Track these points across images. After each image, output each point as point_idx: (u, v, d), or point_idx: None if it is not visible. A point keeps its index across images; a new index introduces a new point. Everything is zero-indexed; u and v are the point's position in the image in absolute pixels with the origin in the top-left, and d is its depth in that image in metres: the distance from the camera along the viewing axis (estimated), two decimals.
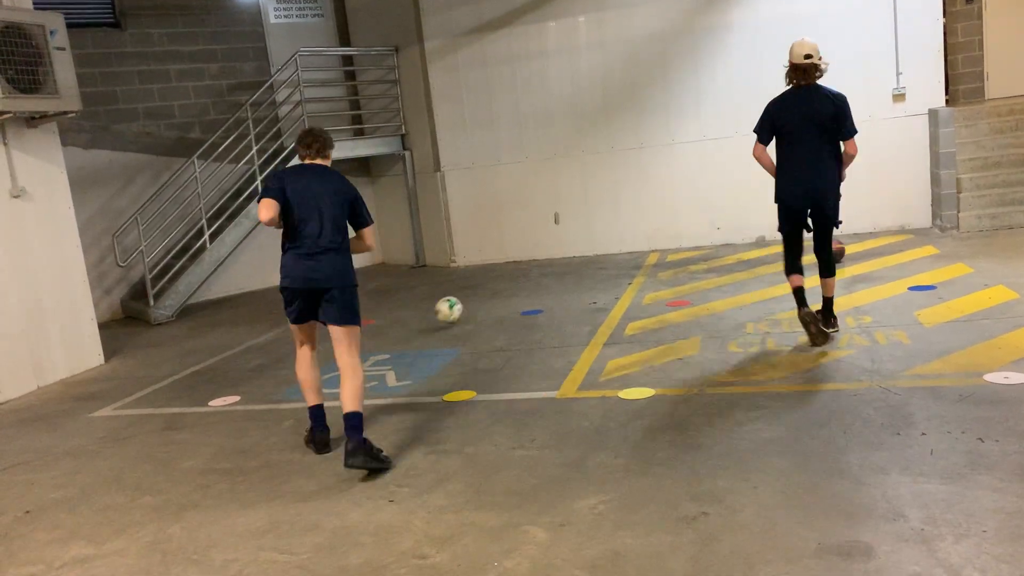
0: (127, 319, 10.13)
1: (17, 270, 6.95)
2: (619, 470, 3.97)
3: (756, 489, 3.58)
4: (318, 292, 4.51)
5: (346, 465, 4.20)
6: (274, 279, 11.17)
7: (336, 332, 4.50)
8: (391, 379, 6.05)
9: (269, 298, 10.59)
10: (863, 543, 3.04)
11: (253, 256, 11.23)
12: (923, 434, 3.94)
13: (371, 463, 4.22)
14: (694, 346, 5.94)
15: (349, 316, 4.51)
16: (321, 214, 4.51)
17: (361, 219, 4.67)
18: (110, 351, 7.98)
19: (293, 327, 4.74)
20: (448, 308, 7.44)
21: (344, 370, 4.52)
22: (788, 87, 5.53)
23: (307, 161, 4.72)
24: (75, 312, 7.48)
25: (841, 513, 3.28)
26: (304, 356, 4.84)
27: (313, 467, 4.49)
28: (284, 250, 4.62)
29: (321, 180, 4.60)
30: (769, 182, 5.51)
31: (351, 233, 4.67)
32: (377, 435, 4.86)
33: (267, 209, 4.37)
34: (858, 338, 5.63)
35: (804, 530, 3.19)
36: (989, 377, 4.59)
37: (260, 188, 5.10)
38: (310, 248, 4.50)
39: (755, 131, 5.58)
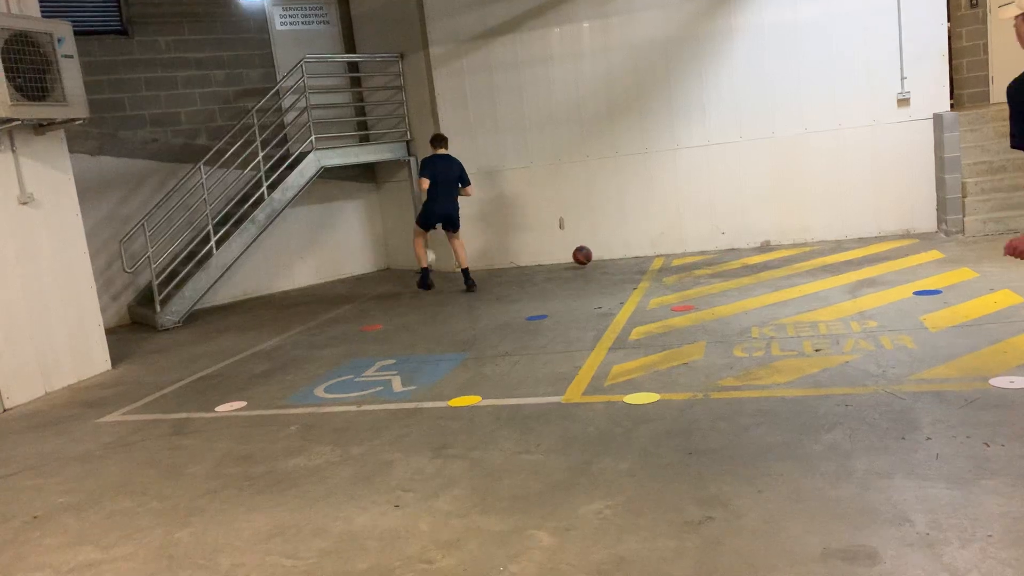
0: (134, 325, 10.17)
1: (25, 276, 6.99)
2: (624, 475, 3.98)
3: (761, 494, 3.59)
4: (444, 218, 9.47)
5: (469, 290, 9.60)
6: (279, 285, 11.40)
7: (450, 235, 9.68)
8: (397, 384, 6.07)
9: (275, 303, 10.63)
10: (868, 548, 3.04)
11: (259, 262, 11.28)
12: (928, 438, 3.94)
13: (474, 288, 9.54)
14: (699, 351, 5.95)
15: (455, 228, 9.61)
16: (443, 182, 9.37)
17: (463, 182, 9.52)
18: (117, 356, 8.01)
19: (421, 228, 9.63)
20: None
21: (456, 249, 9.73)
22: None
23: (438, 151, 9.52)
24: (82, 318, 7.51)
25: (846, 518, 3.28)
26: (420, 243, 9.70)
27: (319, 472, 4.50)
28: (425, 200, 9.49)
29: (445, 163, 9.44)
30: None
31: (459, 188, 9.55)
32: (382, 439, 4.89)
33: (424, 183, 9.29)
34: (863, 343, 5.63)
35: (809, 535, 3.19)
36: (995, 381, 4.58)
37: (418, 167, 10.15)
38: (441, 200, 9.40)
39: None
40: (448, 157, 9.54)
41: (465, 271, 9.71)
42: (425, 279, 9.83)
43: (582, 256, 10.32)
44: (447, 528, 3.63)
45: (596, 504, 3.68)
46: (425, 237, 9.73)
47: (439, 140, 9.63)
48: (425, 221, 9.58)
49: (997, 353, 5.07)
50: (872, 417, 4.30)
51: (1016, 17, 3.41)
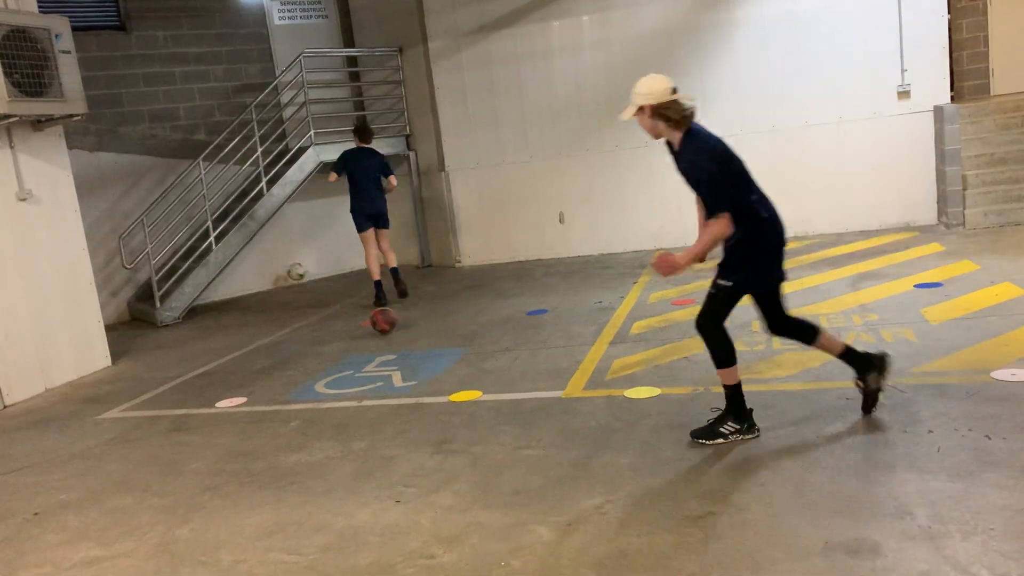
0: (134, 321, 10.16)
1: (24, 273, 6.98)
2: (625, 469, 3.97)
3: (762, 487, 3.58)
4: (373, 216, 8.93)
5: (401, 295, 9.14)
6: (280, 280, 11.19)
7: (380, 232, 9.06)
8: (397, 379, 6.06)
9: (275, 299, 10.62)
10: (870, 541, 3.04)
11: (259, 258, 11.26)
12: (930, 432, 3.94)
13: (406, 292, 9.13)
14: (700, 345, 5.89)
15: (384, 224, 9.06)
16: (366, 179, 8.86)
17: (386, 172, 8.99)
18: (117, 353, 8.00)
19: (363, 234, 8.98)
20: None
21: (385, 251, 9.14)
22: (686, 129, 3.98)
23: (361, 145, 9.02)
24: (82, 314, 7.51)
25: (848, 511, 3.28)
26: (371, 253, 9.06)
27: (320, 468, 4.50)
28: (351, 196, 8.94)
29: (366, 158, 8.95)
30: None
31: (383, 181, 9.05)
32: (383, 435, 4.88)
33: (332, 176, 8.96)
34: (864, 336, 5.62)
35: (811, 528, 3.19)
36: (996, 374, 4.58)
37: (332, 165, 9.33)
38: (366, 198, 8.88)
39: (737, 194, 3.91)
40: (371, 151, 8.98)
41: (394, 271, 9.07)
42: (379, 293, 8.96)
43: (381, 323, 7.63)
44: (448, 523, 3.63)
45: (597, 499, 3.68)
46: (373, 244, 9.02)
47: (361, 133, 9.01)
48: (359, 225, 8.95)
49: (998, 346, 5.06)
50: (873, 410, 4.29)
51: (636, 114, 3.90)
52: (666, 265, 3.98)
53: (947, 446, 3.76)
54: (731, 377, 4.15)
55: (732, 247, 4.05)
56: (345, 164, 8.91)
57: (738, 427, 4.13)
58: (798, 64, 9.73)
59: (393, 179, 9.06)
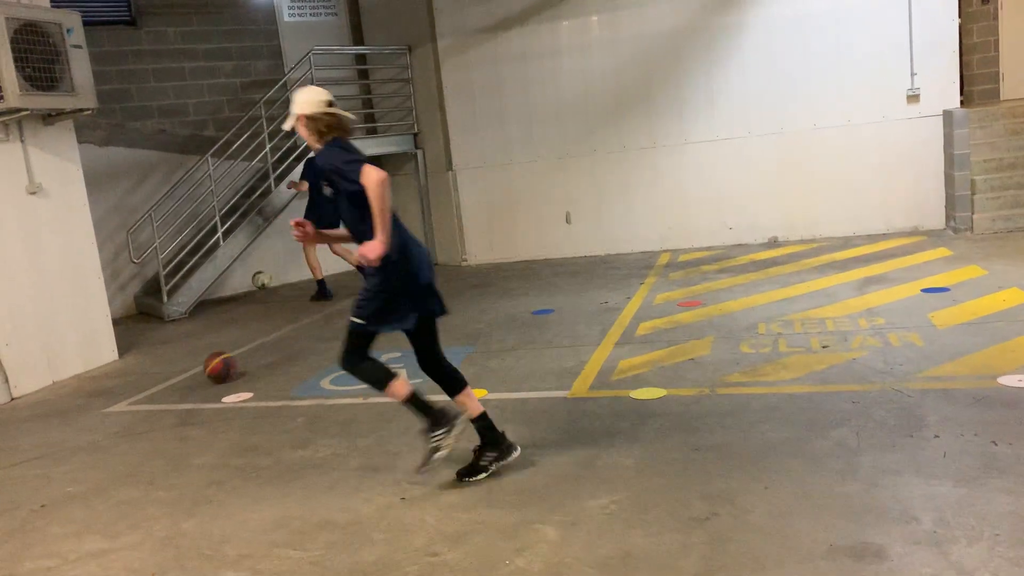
0: (141, 315, 10.19)
1: (33, 265, 7.01)
2: (630, 470, 3.97)
3: (767, 490, 3.58)
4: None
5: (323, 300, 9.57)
6: (286, 277, 11.40)
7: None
8: (403, 377, 6.05)
9: (281, 295, 10.64)
10: (875, 545, 3.04)
11: (266, 254, 11.27)
12: (936, 436, 3.93)
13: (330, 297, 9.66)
14: (706, 346, 5.93)
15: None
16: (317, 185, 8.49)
17: None
18: (124, 347, 8.03)
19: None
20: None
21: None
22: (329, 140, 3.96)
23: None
24: (89, 308, 7.53)
25: (853, 515, 3.27)
26: (312, 254, 9.56)
27: (325, 463, 4.51)
28: (308, 200, 9.32)
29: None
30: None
31: None
32: (390, 432, 4.90)
33: (304, 185, 9.37)
34: (871, 340, 5.61)
35: (816, 531, 3.18)
36: (1003, 380, 4.57)
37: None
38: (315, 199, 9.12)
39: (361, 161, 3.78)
40: None
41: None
42: (323, 290, 9.70)
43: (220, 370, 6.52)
44: (453, 521, 3.63)
45: (602, 499, 3.68)
46: (313, 246, 9.55)
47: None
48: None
49: (1005, 351, 5.05)
50: (879, 414, 4.29)
51: (296, 123, 3.96)
52: (371, 253, 3.80)
53: (953, 451, 3.75)
54: (400, 390, 4.05)
55: (370, 286, 4.02)
56: (304, 170, 9.53)
57: (445, 431, 3.98)
58: (806, 67, 9.71)
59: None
